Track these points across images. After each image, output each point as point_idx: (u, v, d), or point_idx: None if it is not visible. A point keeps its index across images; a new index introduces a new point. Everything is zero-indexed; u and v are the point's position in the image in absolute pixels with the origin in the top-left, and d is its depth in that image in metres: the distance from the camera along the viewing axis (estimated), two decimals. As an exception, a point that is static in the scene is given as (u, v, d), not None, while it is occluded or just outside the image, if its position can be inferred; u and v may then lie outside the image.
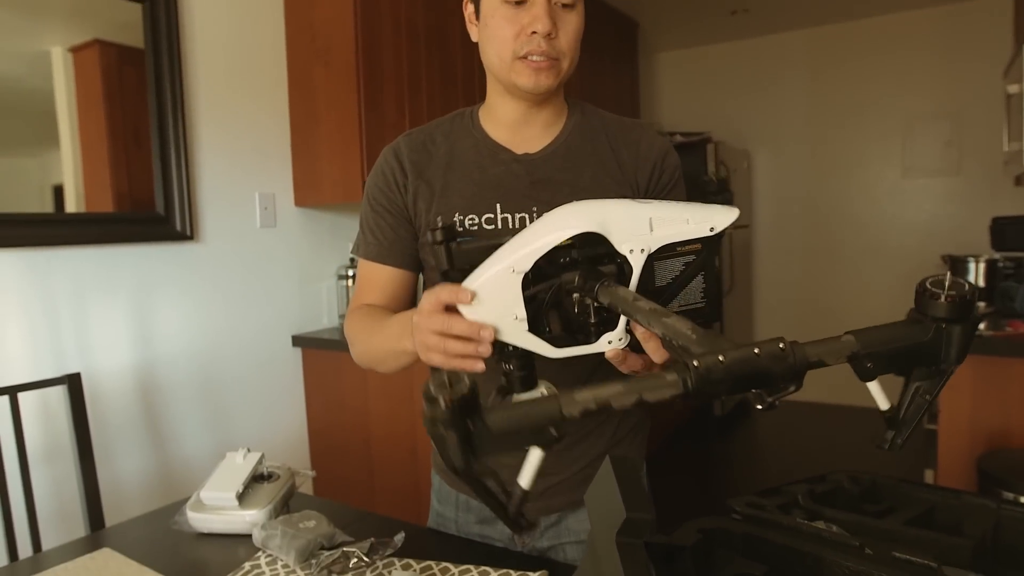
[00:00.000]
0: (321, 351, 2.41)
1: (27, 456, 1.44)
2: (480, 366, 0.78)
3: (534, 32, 0.96)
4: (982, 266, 2.98)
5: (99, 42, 1.87)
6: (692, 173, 4.07)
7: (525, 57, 0.98)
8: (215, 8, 2.16)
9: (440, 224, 0.85)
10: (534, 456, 0.54)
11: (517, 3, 0.97)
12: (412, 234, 1.09)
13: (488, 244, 0.83)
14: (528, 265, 0.75)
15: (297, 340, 2.44)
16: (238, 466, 1.17)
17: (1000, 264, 2.87)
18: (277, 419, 2.40)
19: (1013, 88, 2.60)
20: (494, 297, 0.76)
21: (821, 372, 0.55)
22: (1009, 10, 3.69)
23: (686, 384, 0.50)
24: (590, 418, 0.52)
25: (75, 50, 1.82)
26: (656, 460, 1.14)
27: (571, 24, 0.99)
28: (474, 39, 1.06)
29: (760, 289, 4.97)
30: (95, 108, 1.87)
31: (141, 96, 1.97)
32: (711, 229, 0.76)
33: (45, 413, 1.75)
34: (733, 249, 4.46)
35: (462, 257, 0.85)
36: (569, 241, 0.76)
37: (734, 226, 4.45)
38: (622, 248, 0.75)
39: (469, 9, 1.06)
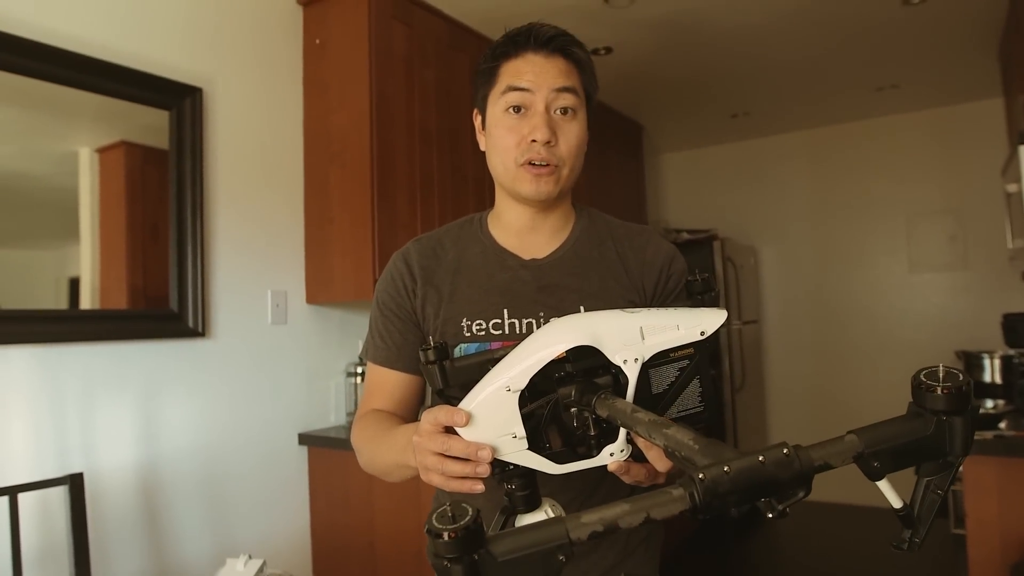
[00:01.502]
0: (327, 449, 2.37)
1: (21, 559, 1.40)
2: (479, 487, 0.78)
3: (534, 140, 0.99)
4: (997, 362, 2.96)
5: (125, 143, 1.95)
6: (702, 270, 4.10)
7: (526, 164, 1.01)
8: (238, 114, 2.26)
9: (432, 344, 0.85)
10: None
11: (518, 113, 1.01)
12: (420, 339, 1.09)
13: (482, 359, 0.84)
14: (523, 383, 0.75)
15: (303, 438, 2.40)
16: (238, 574, 1.13)
17: (1015, 360, 2.84)
18: (279, 519, 2.33)
19: (1012, 187, 2.64)
20: (491, 417, 0.76)
21: (836, 471, 0.54)
22: (1001, 111, 3.82)
23: (693, 498, 0.49)
24: (598, 539, 0.51)
25: (101, 151, 1.90)
26: (670, 569, 1.09)
27: (571, 132, 1.02)
28: (482, 148, 1.10)
29: (772, 384, 4.91)
30: (116, 205, 1.92)
31: (162, 195, 2.03)
32: (702, 333, 0.77)
33: (44, 513, 1.70)
34: (743, 345, 4.44)
35: (456, 375, 0.84)
36: (563, 355, 0.76)
37: (743, 322, 4.46)
38: (615, 359, 0.75)
39: (478, 120, 1.10)
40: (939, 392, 0.52)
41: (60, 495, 1.57)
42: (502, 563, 0.48)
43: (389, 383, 1.10)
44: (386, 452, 0.97)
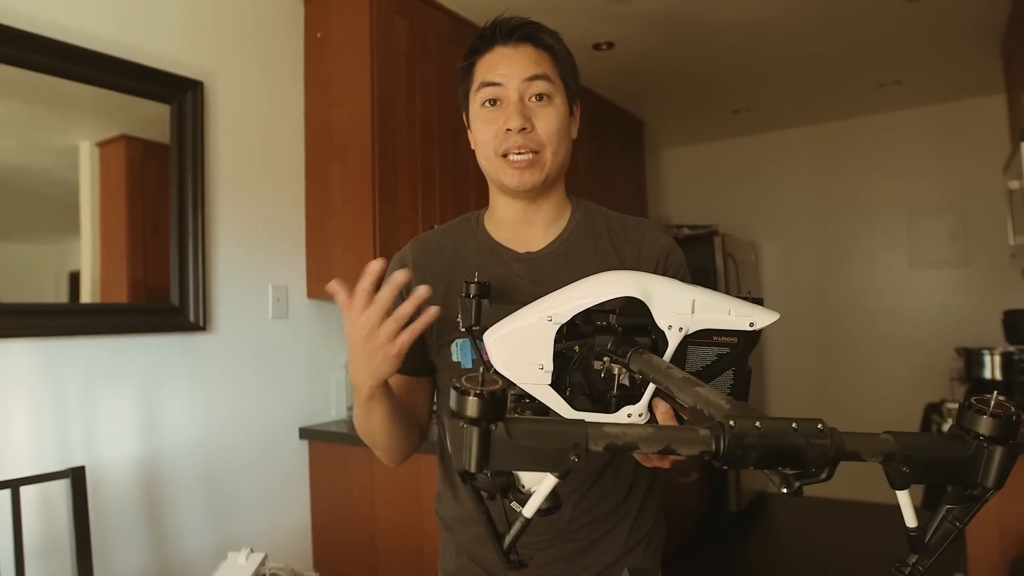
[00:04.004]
0: (328, 444, 2.38)
1: (23, 552, 1.40)
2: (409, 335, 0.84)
3: (509, 129, 1.00)
4: (997, 359, 2.96)
5: (125, 137, 1.95)
6: (702, 265, 4.11)
7: (506, 155, 1.01)
8: (239, 109, 2.26)
9: (477, 279, 0.86)
10: (546, 485, 0.52)
11: (494, 106, 1.02)
12: (419, 342, 1.10)
13: (521, 310, 0.83)
14: (566, 318, 0.75)
15: (304, 432, 2.40)
16: (239, 567, 1.13)
17: (1016, 357, 2.84)
18: (280, 513, 2.34)
19: (1014, 184, 2.64)
20: (524, 342, 0.75)
21: (842, 465, 0.52)
22: (1004, 108, 3.81)
23: (718, 442, 0.47)
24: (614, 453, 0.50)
25: (102, 144, 1.89)
26: (672, 565, 1.09)
27: (548, 117, 1.02)
28: (472, 147, 1.11)
29: (771, 381, 4.91)
30: (117, 199, 1.92)
31: (163, 188, 2.03)
32: (751, 324, 0.75)
33: (46, 507, 1.71)
34: (743, 340, 4.43)
35: (490, 315, 0.84)
36: (610, 306, 0.76)
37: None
38: (661, 322, 0.74)
39: (466, 120, 1.11)
40: (987, 416, 0.52)
41: (62, 488, 1.57)
42: (515, 443, 0.48)
43: (392, 384, 1.11)
44: (358, 410, 1.00)
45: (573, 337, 0.77)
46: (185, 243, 2.06)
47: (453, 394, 0.48)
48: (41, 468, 1.68)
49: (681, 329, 0.74)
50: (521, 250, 1.08)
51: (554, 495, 0.55)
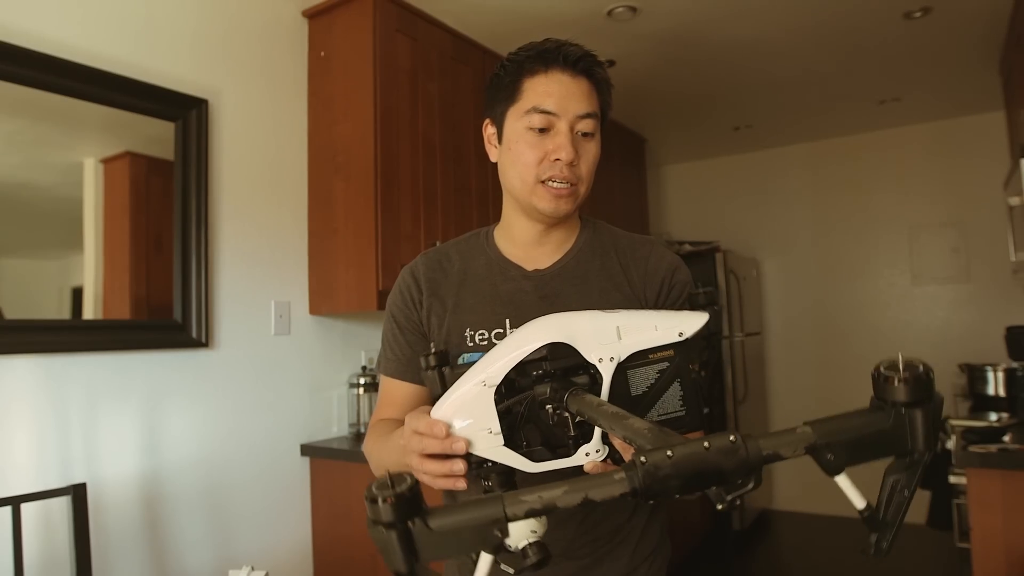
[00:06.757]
0: (329, 460, 2.37)
1: (23, 569, 1.39)
2: (461, 484, 0.78)
3: (557, 159, 1.00)
4: (1000, 375, 2.95)
5: (130, 154, 1.96)
6: (704, 282, 4.11)
7: (546, 181, 1.02)
8: (243, 126, 2.27)
9: (433, 350, 0.87)
10: (484, 562, 0.53)
11: (542, 132, 1.02)
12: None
13: (461, 378, 0.84)
14: (499, 378, 0.76)
15: (306, 449, 2.40)
16: (241, 585, 1.13)
17: (1019, 373, 2.83)
18: (281, 530, 2.32)
19: (1014, 200, 2.65)
20: (468, 412, 0.76)
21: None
22: (1003, 124, 3.83)
23: (633, 481, 0.48)
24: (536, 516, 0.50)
25: (106, 161, 1.91)
26: (676, 580, 1.08)
27: (590, 152, 1.04)
28: (493, 160, 1.11)
29: (774, 397, 4.90)
30: (120, 215, 1.93)
31: (166, 205, 2.04)
32: (680, 334, 0.76)
33: (46, 523, 1.70)
34: (746, 357, 4.43)
35: (454, 380, 0.85)
36: (541, 354, 0.77)
37: (745, 334, 4.45)
38: (591, 357, 0.75)
39: (490, 131, 1.10)
40: (897, 382, 0.51)
41: (63, 505, 1.56)
42: (436, 533, 0.48)
43: (399, 394, 1.12)
44: (387, 456, 0.99)
45: (513, 393, 0.78)
46: (188, 259, 2.06)
47: (367, 504, 0.49)
48: (42, 485, 1.68)
49: (612, 359, 0.75)
50: (530, 267, 1.09)
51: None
